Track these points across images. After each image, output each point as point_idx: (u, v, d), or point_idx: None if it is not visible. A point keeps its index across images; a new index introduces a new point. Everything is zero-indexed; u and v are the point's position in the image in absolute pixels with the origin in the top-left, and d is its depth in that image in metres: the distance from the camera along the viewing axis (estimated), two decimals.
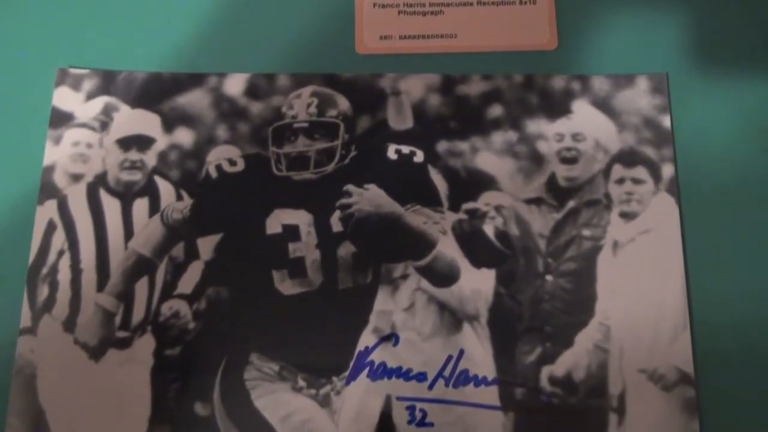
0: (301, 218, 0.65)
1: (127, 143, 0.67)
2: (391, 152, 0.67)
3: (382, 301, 0.64)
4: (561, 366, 0.62)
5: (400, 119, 0.68)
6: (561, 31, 0.71)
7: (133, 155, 0.67)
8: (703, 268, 0.64)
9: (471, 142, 0.67)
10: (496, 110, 0.68)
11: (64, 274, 0.64)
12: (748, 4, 0.72)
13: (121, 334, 0.63)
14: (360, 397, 0.62)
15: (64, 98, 0.69)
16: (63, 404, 0.61)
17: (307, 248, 0.65)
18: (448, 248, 0.64)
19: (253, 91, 0.69)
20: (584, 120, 0.68)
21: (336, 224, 0.65)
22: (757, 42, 0.71)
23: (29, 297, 0.63)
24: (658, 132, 0.68)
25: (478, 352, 0.62)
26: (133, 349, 0.63)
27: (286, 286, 0.64)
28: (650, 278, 0.64)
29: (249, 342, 0.63)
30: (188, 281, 0.64)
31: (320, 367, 0.62)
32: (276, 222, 0.65)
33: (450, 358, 0.62)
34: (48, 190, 0.66)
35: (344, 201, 0.65)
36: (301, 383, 0.62)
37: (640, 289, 0.63)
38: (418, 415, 0.61)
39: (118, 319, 0.63)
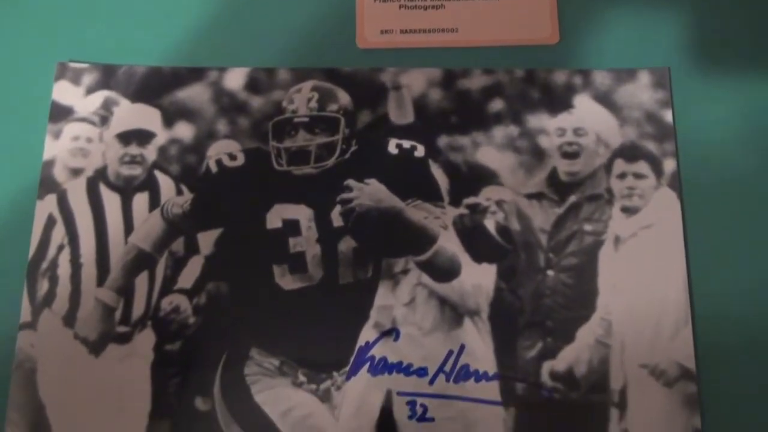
0: (302, 213, 0.65)
1: (127, 138, 0.68)
2: (392, 147, 0.67)
3: (382, 296, 0.64)
4: (562, 361, 0.62)
5: (400, 114, 0.68)
6: (562, 26, 0.71)
7: (133, 150, 0.67)
8: (705, 263, 0.65)
9: (472, 137, 0.67)
10: (497, 105, 0.68)
11: (64, 269, 0.64)
12: None
13: (121, 328, 0.63)
14: (360, 392, 0.62)
15: (64, 92, 0.69)
16: (63, 399, 0.61)
17: (307, 243, 0.65)
18: (448, 243, 0.64)
19: (253, 85, 0.69)
20: (586, 114, 0.68)
21: (336, 219, 0.65)
22: (759, 37, 0.71)
23: (29, 292, 0.64)
24: (659, 127, 0.68)
25: (479, 347, 0.62)
26: (134, 344, 0.63)
27: (286, 280, 0.64)
28: (652, 273, 0.64)
29: (249, 337, 0.63)
30: (188, 276, 0.64)
31: (321, 362, 0.62)
32: (276, 217, 0.65)
33: (451, 353, 0.62)
34: (48, 184, 0.66)
35: (345, 196, 0.65)
36: (302, 378, 0.62)
37: (642, 284, 0.64)
38: (419, 410, 0.61)
39: (118, 314, 0.63)
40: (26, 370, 0.62)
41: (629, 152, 0.67)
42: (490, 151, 0.67)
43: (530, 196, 0.66)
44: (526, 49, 0.70)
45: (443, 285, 0.64)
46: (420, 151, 0.67)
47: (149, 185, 0.67)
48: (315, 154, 0.66)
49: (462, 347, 0.63)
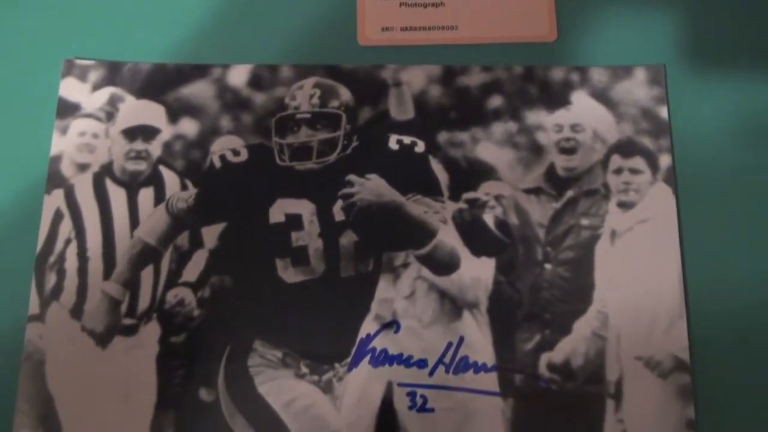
0: (304, 207, 0.65)
1: (132, 133, 0.68)
2: (393, 142, 0.67)
3: (383, 289, 0.64)
4: (559, 353, 0.62)
5: (401, 110, 0.68)
6: (560, 23, 0.71)
7: (139, 145, 0.67)
8: (700, 257, 0.65)
9: (471, 133, 0.67)
10: (496, 101, 0.68)
11: (71, 262, 0.64)
12: None
13: (127, 321, 0.63)
14: (362, 383, 0.62)
15: (71, 89, 0.69)
16: (71, 390, 0.61)
17: (309, 237, 0.65)
18: (448, 237, 0.65)
19: (256, 82, 0.69)
20: (583, 111, 0.68)
21: (338, 213, 0.65)
22: (752, 35, 0.70)
23: (37, 285, 0.64)
24: (655, 123, 0.68)
25: (478, 339, 0.63)
26: (139, 336, 0.63)
27: (289, 274, 0.64)
28: (647, 267, 0.64)
29: (253, 329, 0.63)
30: (193, 269, 0.65)
31: (323, 354, 0.63)
32: (279, 211, 0.65)
33: (450, 345, 0.63)
34: (55, 179, 0.66)
35: (346, 191, 0.65)
36: (304, 370, 0.62)
37: (638, 277, 0.64)
38: (419, 401, 0.61)
39: (124, 307, 0.64)
40: (35, 361, 0.62)
41: (625, 148, 0.67)
42: (489, 146, 0.67)
43: (528, 191, 0.66)
44: (524, 47, 0.70)
45: (443, 278, 0.64)
46: (420, 147, 0.67)
47: (154, 180, 0.67)
48: (317, 149, 0.66)
49: (461, 339, 0.63)
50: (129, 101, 0.68)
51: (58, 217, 0.65)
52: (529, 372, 0.62)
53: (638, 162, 0.67)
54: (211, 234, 0.65)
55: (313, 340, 0.63)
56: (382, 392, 0.62)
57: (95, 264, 0.64)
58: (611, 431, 0.61)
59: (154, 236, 0.65)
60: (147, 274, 0.64)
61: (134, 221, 0.66)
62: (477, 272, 0.64)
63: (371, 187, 0.65)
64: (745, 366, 0.62)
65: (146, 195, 0.66)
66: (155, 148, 0.67)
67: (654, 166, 0.67)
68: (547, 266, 0.64)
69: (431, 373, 0.62)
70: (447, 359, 0.62)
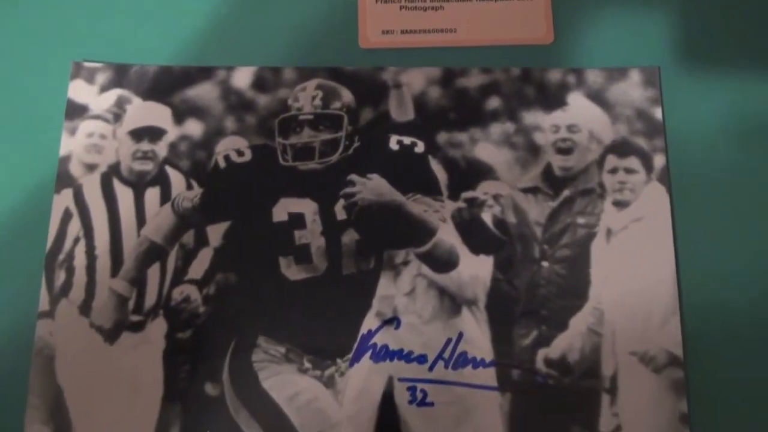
0: (307, 207, 0.65)
1: (139, 134, 0.68)
2: (393, 143, 0.67)
3: (384, 286, 0.64)
4: (556, 348, 0.63)
5: (401, 111, 0.68)
6: (557, 26, 0.71)
7: (145, 146, 0.67)
8: (693, 254, 0.65)
9: (470, 133, 0.67)
10: (494, 102, 0.68)
11: (79, 260, 0.65)
12: (736, 0, 0.71)
13: (135, 317, 0.63)
14: (363, 378, 0.62)
15: (79, 91, 0.69)
16: (80, 384, 0.62)
17: (312, 235, 0.65)
18: (447, 235, 0.65)
19: (260, 84, 0.69)
20: (579, 112, 0.68)
21: (340, 212, 0.65)
22: (744, 38, 0.70)
23: (47, 282, 0.64)
24: (649, 123, 0.68)
25: (477, 335, 0.63)
26: (146, 332, 0.63)
27: (292, 271, 0.64)
28: (642, 264, 0.64)
29: (256, 325, 0.63)
30: (198, 267, 0.65)
31: (325, 350, 0.63)
32: (282, 210, 0.65)
33: (449, 340, 0.63)
34: (64, 179, 0.66)
35: (348, 190, 0.65)
36: (307, 365, 0.62)
37: (632, 274, 0.64)
38: (419, 395, 0.62)
39: (131, 304, 0.64)
40: (45, 357, 0.62)
41: (620, 148, 0.67)
42: (488, 147, 0.67)
43: (526, 191, 0.66)
44: (521, 49, 0.70)
45: (442, 276, 0.64)
46: (420, 147, 0.67)
47: (160, 180, 0.67)
48: (319, 150, 0.66)
49: (460, 335, 0.63)
50: (136, 103, 0.68)
51: (67, 216, 0.66)
52: (526, 367, 0.62)
53: (633, 162, 0.67)
54: (216, 232, 0.65)
55: (316, 336, 0.63)
56: (382, 387, 0.62)
57: (103, 262, 0.64)
58: (606, 425, 0.61)
59: (161, 235, 0.65)
60: (153, 272, 0.65)
61: (141, 220, 0.66)
62: (475, 270, 0.64)
63: (372, 186, 0.65)
64: (737, 361, 0.62)
65: (153, 194, 0.66)
66: (161, 149, 0.67)
67: (648, 165, 0.66)
68: (544, 264, 0.65)
69: (431, 369, 0.62)
70: (446, 355, 0.63)
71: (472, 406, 0.62)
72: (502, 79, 0.69)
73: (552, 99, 0.68)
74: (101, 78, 0.69)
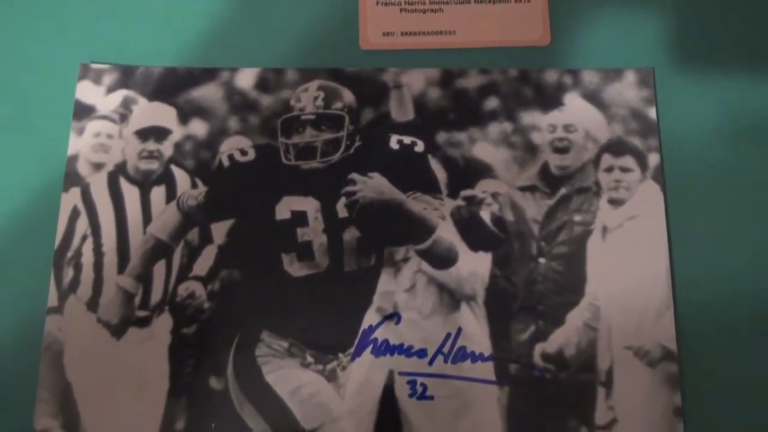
0: (309, 205, 0.66)
1: (145, 134, 0.68)
2: (394, 142, 0.67)
3: (385, 282, 0.64)
4: (553, 343, 0.63)
5: (401, 111, 0.68)
6: (554, 28, 0.71)
7: (151, 145, 0.68)
8: (686, 251, 0.65)
9: (469, 133, 0.68)
10: (492, 103, 0.68)
11: (87, 257, 0.65)
12: (730, 2, 0.71)
13: (141, 313, 0.64)
14: (364, 372, 0.63)
15: (87, 92, 0.69)
16: (88, 378, 0.62)
17: (314, 233, 0.65)
18: (446, 233, 0.65)
19: (263, 84, 0.69)
20: (575, 112, 0.68)
21: (342, 210, 0.65)
22: (737, 40, 0.70)
23: (56, 279, 0.64)
24: (644, 123, 0.68)
25: (475, 330, 0.63)
26: (152, 328, 0.64)
27: (294, 268, 0.65)
28: (637, 261, 0.64)
29: (260, 321, 0.64)
30: (203, 264, 0.65)
31: (327, 344, 0.63)
32: (285, 208, 0.66)
33: (449, 335, 0.63)
34: (72, 178, 0.67)
35: (349, 188, 0.65)
36: (309, 359, 0.63)
37: (628, 271, 0.64)
38: (419, 389, 0.62)
39: (137, 300, 0.64)
40: (54, 351, 0.63)
41: (616, 147, 0.67)
42: (486, 146, 0.67)
43: (523, 189, 0.66)
44: (519, 51, 0.70)
45: (441, 272, 0.65)
46: (420, 147, 0.67)
47: (166, 179, 0.67)
48: (321, 149, 0.66)
49: (459, 330, 0.63)
50: (142, 103, 0.69)
51: (75, 214, 0.66)
52: (523, 361, 0.63)
53: (628, 161, 0.67)
54: (220, 230, 0.66)
55: (318, 331, 0.63)
56: (383, 380, 0.62)
57: (110, 259, 0.65)
58: (602, 418, 0.61)
59: (166, 232, 0.65)
60: (159, 269, 0.65)
61: (147, 218, 0.66)
62: (474, 266, 0.65)
63: (373, 185, 0.65)
64: (731, 355, 0.63)
65: (158, 193, 0.67)
66: (167, 148, 0.68)
67: (643, 164, 0.67)
68: (541, 260, 0.65)
69: (431, 363, 0.63)
70: (446, 349, 0.63)
71: (471, 399, 0.62)
72: (500, 80, 0.69)
73: (549, 99, 0.69)
74: (108, 79, 0.69)
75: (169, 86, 0.69)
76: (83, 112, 0.68)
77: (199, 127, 0.68)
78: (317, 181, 0.66)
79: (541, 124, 0.68)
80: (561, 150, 0.67)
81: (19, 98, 0.69)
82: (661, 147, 0.67)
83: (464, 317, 0.64)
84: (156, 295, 0.64)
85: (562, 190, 0.66)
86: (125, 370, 0.62)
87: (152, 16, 0.72)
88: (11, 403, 0.62)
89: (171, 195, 0.67)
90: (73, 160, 0.67)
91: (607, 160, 0.67)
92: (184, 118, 0.68)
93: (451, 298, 0.64)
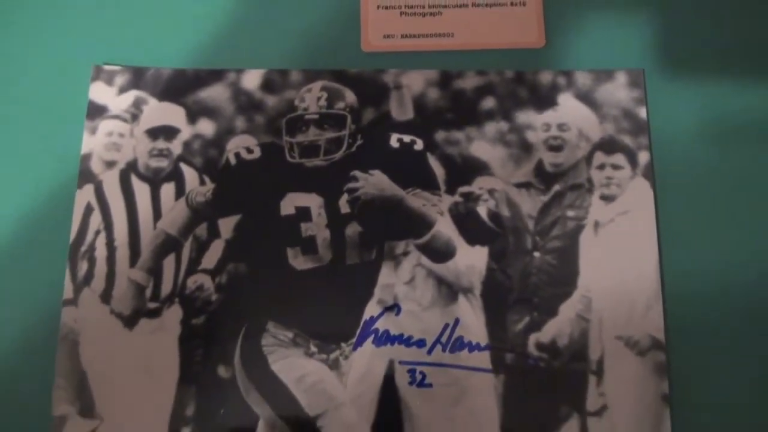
0: (313, 201, 0.66)
1: (155, 133, 0.68)
2: (394, 141, 0.68)
3: (385, 275, 0.65)
4: (547, 333, 0.64)
5: (401, 111, 0.69)
6: (548, 31, 0.71)
7: (161, 144, 0.68)
8: (675, 245, 0.66)
9: (466, 132, 0.68)
10: (489, 103, 0.69)
11: (100, 252, 0.66)
12: (717, 8, 0.72)
13: (152, 305, 0.65)
14: (366, 361, 0.63)
15: (99, 92, 0.69)
16: (102, 367, 0.63)
17: (317, 228, 0.66)
18: (445, 228, 0.66)
19: (268, 85, 0.69)
20: (569, 111, 0.69)
21: (344, 206, 0.66)
22: (724, 42, 0.71)
23: (71, 272, 0.65)
24: (635, 122, 0.68)
25: (472, 321, 0.64)
26: (163, 319, 0.64)
27: (299, 261, 0.65)
28: (627, 255, 0.65)
29: (266, 312, 0.64)
30: (211, 258, 0.66)
31: (330, 335, 0.64)
32: (289, 204, 0.66)
33: (447, 326, 0.64)
34: (86, 175, 0.67)
35: (351, 185, 0.66)
36: (313, 349, 0.64)
37: (618, 264, 0.65)
38: (418, 377, 0.63)
39: (148, 292, 0.65)
40: (70, 341, 0.63)
41: (607, 146, 0.68)
42: (483, 144, 0.68)
43: (519, 185, 0.67)
44: (514, 53, 0.71)
45: (440, 265, 0.65)
46: (419, 145, 0.67)
47: (175, 176, 0.68)
48: (324, 147, 0.67)
49: (457, 321, 0.64)
50: (152, 103, 0.69)
51: (88, 210, 0.66)
52: (518, 351, 0.63)
53: (619, 158, 0.67)
54: (227, 225, 0.66)
55: (322, 321, 0.64)
56: (384, 369, 0.63)
57: (122, 253, 0.66)
58: (593, 404, 0.62)
59: (176, 227, 0.66)
60: (169, 262, 0.66)
61: (157, 214, 0.67)
62: (471, 260, 0.65)
63: (374, 182, 0.66)
64: (716, 345, 0.63)
65: (168, 190, 0.67)
66: (176, 147, 0.68)
67: (634, 162, 0.67)
68: (536, 254, 0.66)
69: (429, 352, 0.63)
70: (444, 339, 0.64)
71: (468, 387, 0.63)
72: (497, 81, 0.69)
73: (543, 99, 0.69)
74: (120, 80, 0.70)
75: (178, 87, 0.70)
76: (96, 111, 0.69)
77: (206, 127, 0.69)
78: (320, 178, 0.67)
79: (536, 123, 0.68)
80: (555, 148, 0.68)
81: (35, 98, 0.70)
82: (651, 145, 0.68)
83: (462, 308, 0.65)
84: (166, 288, 0.65)
85: (556, 187, 0.67)
86: (137, 359, 0.63)
87: (162, 20, 0.72)
88: (30, 390, 0.63)
89: (180, 192, 0.67)
90: (86, 158, 0.68)
91: (599, 157, 0.67)
92: (192, 117, 0.69)
93: (449, 290, 0.65)
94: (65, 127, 0.69)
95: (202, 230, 0.66)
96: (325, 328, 0.64)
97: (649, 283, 0.64)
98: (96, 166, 0.68)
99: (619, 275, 0.65)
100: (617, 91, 0.69)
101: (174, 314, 0.65)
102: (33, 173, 0.68)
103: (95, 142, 0.68)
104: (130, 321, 0.64)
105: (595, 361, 0.63)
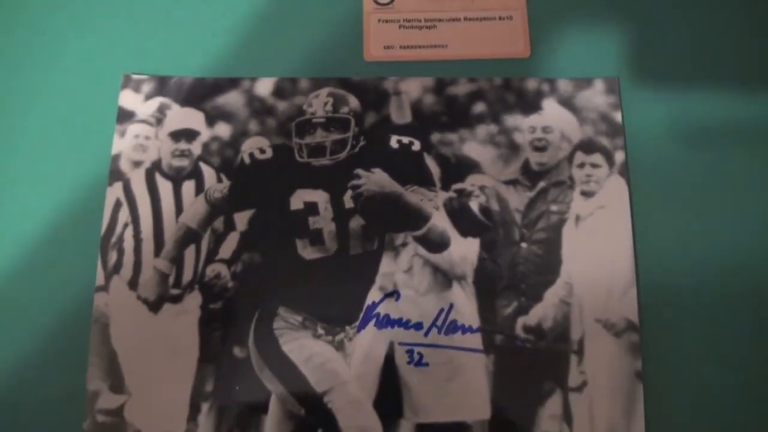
0: (320, 197, 0.68)
1: (177, 136, 0.70)
2: (393, 142, 0.69)
3: (386, 264, 0.66)
4: (533, 317, 0.65)
5: (400, 115, 0.70)
6: (533, 42, 0.73)
7: (182, 145, 0.69)
8: (648, 236, 0.67)
9: (459, 134, 0.69)
10: (479, 107, 0.70)
11: (128, 243, 0.67)
12: (685, 20, 0.73)
13: (174, 291, 0.66)
14: (368, 342, 0.65)
15: (128, 99, 0.71)
16: (130, 347, 0.64)
17: (324, 221, 0.67)
18: (440, 221, 0.67)
19: (279, 92, 0.71)
20: (552, 115, 0.70)
21: (348, 201, 0.67)
22: (691, 52, 0.72)
23: (102, 261, 0.66)
24: (611, 125, 0.69)
25: (465, 306, 0.65)
26: (184, 304, 0.66)
27: (307, 252, 0.67)
28: (605, 245, 0.66)
29: (277, 298, 0.66)
30: (227, 248, 0.67)
31: (336, 318, 0.65)
32: (298, 200, 0.68)
33: (442, 310, 0.65)
34: (115, 174, 0.68)
35: (355, 182, 0.67)
36: (320, 331, 0.65)
37: (597, 254, 0.66)
38: (416, 357, 0.64)
39: (171, 279, 0.66)
40: (101, 324, 0.65)
41: (587, 146, 0.69)
42: (474, 145, 0.69)
43: (507, 182, 0.68)
44: (503, 62, 0.72)
45: (436, 255, 0.66)
46: (416, 146, 0.69)
47: (195, 174, 0.69)
48: (330, 148, 0.68)
49: (451, 306, 0.65)
50: (175, 109, 0.70)
51: (117, 205, 0.68)
52: (507, 333, 0.64)
53: (597, 158, 0.68)
54: (242, 219, 0.67)
55: (328, 306, 0.65)
56: (385, 350, 0.64)
57: (147, 244, 0.67)
58: (574, 381, 0.64)
59: (195, 221, 0.67)
60: (190, 253, 0.67)
61: (179, 209, 0.68)
62: (464, 250, 0.67)
63: (375, 179, 0.67)
64: (685, 327, 0.65)
65: (189, 187, 0.69)
66: (196, 148, 0.69)
67: (610, 161, 0.68)
68: (523, 245, 0.67)
69: (426, 334, 0.65)
70: (439, 322, 0.65)
71: (461, 365, 0.64)
72: (487, 88, 0.71)
73: (529, 104, 0.70)
74: (146, 88, 0.71)
75: (198, 94, 0.71)
76: (125, 116, 0.70)
77: (223, 129, 0.70)
78: (327, 176, 0.68)
79: (523, 126, 0.69)
80: (540, 149, 0.69)
81: (71, 105, 0.71)
82: (626, 146, 0.69)
83: (455, 295, 0.66)
84: (187, 276, 0.66)
85: (541, 184, 0.68)
86: (161, 340, 0.65)
87: (184, 33, 0.73)
88: (68, 367, 0.64)
89: (200, 188, 0.68)
90: (116, 158, 0.69)
91: (579, 157, 0.69)
92: (211, 121, 0.70)
93: (444, 278, 0.66)
94: (98, 131, 0.70)
95: (219, 223, 0.67)
96: (331, 313, 0.65)
97: (625, 271, 0.65)
98: (125, 165, 0.69)
99: (598, 264, 0.66)
100: (595, 97, 0.70)
101: (194, 300, 0.66)
102: (69, 172, 0.69)
103: (124, 144, 0.69)
104: (154, 306, 0.66)
105: (576, 342, 0.64)
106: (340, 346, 0.65)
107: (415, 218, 0.67)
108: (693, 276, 0.66)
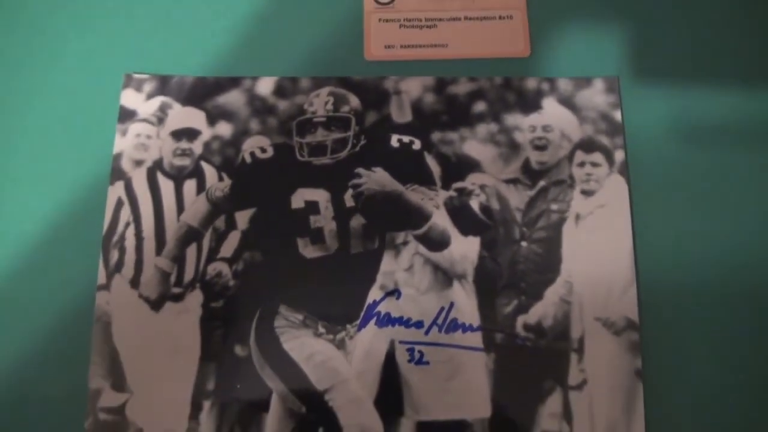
0: (320, 195, 0.68)
1: (178, 135, 0.70)
2: (394, 141, 0.69)
3: (386, 263, 0.66)
4: (533, 315, 0.65)
5: (401, 114, 0.70)
6: (533, 42, 0.73)
7: (184, 144, 0.69)
8: (648, 235, 0.67)
9: (460, 133, 0.69)
10: (480, 106, 0.70)
11: (130, 242, 0.67)
12: (685, 20, 0.73)
13: (176, 290, 0.66)
14: (369, 341, 0.64)
15: (129, 98, 0.71)
16: (131, 346, 0.64)
17: (325, 220, 0.67)
18: (440, 220, 0.67)
19: (280, 91, 0.71)
20: (552, 114, 0.70)
21: (349, 200, 0.67)
22: (690, 51, 0.72)
23: (104, 260, 0.66)
24: (611, 124, 0.69)
25: (466, 304, 0.65)
26: (185, 302, 0.65)
27: (308, 250, 0.67)
28: (605, 244, 0.66)
29: (278, 296, 0.65)
30: (228, 247, 0.67)
31: (336, 317, 0.65)
32: (299, 198, 0.68)
33: (442, 309, 0.65)
34: (117, 173, 0.68)
35: (355, 181, 0.67)
36: (321, 330, 0.65)
37: (597, 252, 0.66)
38: (417, 355, 0.64)
39: (173, 278, 0.66)
40: (103, 323, 0.65)
41: (587, 145, 0.69)
42: (475, 144, 0.69)
43: (507, 181, 0.68)
44: (503, 61, 0.72)
45: (436, 254, 0.66)
46: (417, 145, 0.69)
47: (196, 173, 0.69)
48: (331, 147, 0.68)
49: (451, 304, 0.65)
50: (176, 108, 0.70)
51: (119, 204, 0.68)
52: (507, 331, 0.64)
53: (597, 157, 0.68)
54: (243, 218, 0.67)
55: (329, 305, 0.65)
56: (386, 348, 0.64)
57: (149, 243, 0.67)
58: (574, 379, 0.63)
59: (197, 220, 0.67)
60: (191, 251, 0.67)
61: (180, 207, 0.68)
62: (465, 249, 0.66)
63: (376, 178, 0.67)
64: (685, 325, 0.65)
65: (190, 186, 0.68)
66: (197, 147, 0.69)
67: (610, 160, 0.68)
68: (523, 244, 0.67)
69: (427, 333, 0.64)
70: (440, 321, 0.65)
71: (462, 364, 0.64)
72: (487, 87, 0.71)
73: (529, 104, 0.70)
74: (147, 87, 0.71)
75: (199, 93, 0.71)
76: (126, 115, 0.70)
77: (224, 129, 0.70)
78: (327, 175, 0.68)
79: (523, 125, 0.69)
80: (540, 147, 0.69)
81: (72, 105, 0.71)
82: (626, 145, 0.69)
83: (456, 293, 0.66)
84: (188, 274, 0.66)
85: (541, 183, 0.68)
86: (163, 339, 0.64)
87: (185, 33, 0.73)
88: (69, 365, 0.64)
89: (201, 187, 0.68)
90: (118, 157, 0.69)
91: (579, 156, 0.69)
92: (212, 120, 0.70)
93: (445, 276, 0.66)
94: (99, 130, 0.70)
95: (220, 222, 0.67)
96: (332, 311, 0.65)
97: (625, 270, 0.65)
98: (126, 164, 0.69)
99: (598, 262, 0.66)
100: (595, 96, 0.70)
101: (196, 298, 0.65)
102: (70, 172, 0.69)
103: (125, 143, 0.69)
104: (156, 304, 0.65)
105: (576, 340, 0.64)
106: (340, 345, 0.65)
107: (416, 217, 0.67)
108: (693, 275, 0.66)
